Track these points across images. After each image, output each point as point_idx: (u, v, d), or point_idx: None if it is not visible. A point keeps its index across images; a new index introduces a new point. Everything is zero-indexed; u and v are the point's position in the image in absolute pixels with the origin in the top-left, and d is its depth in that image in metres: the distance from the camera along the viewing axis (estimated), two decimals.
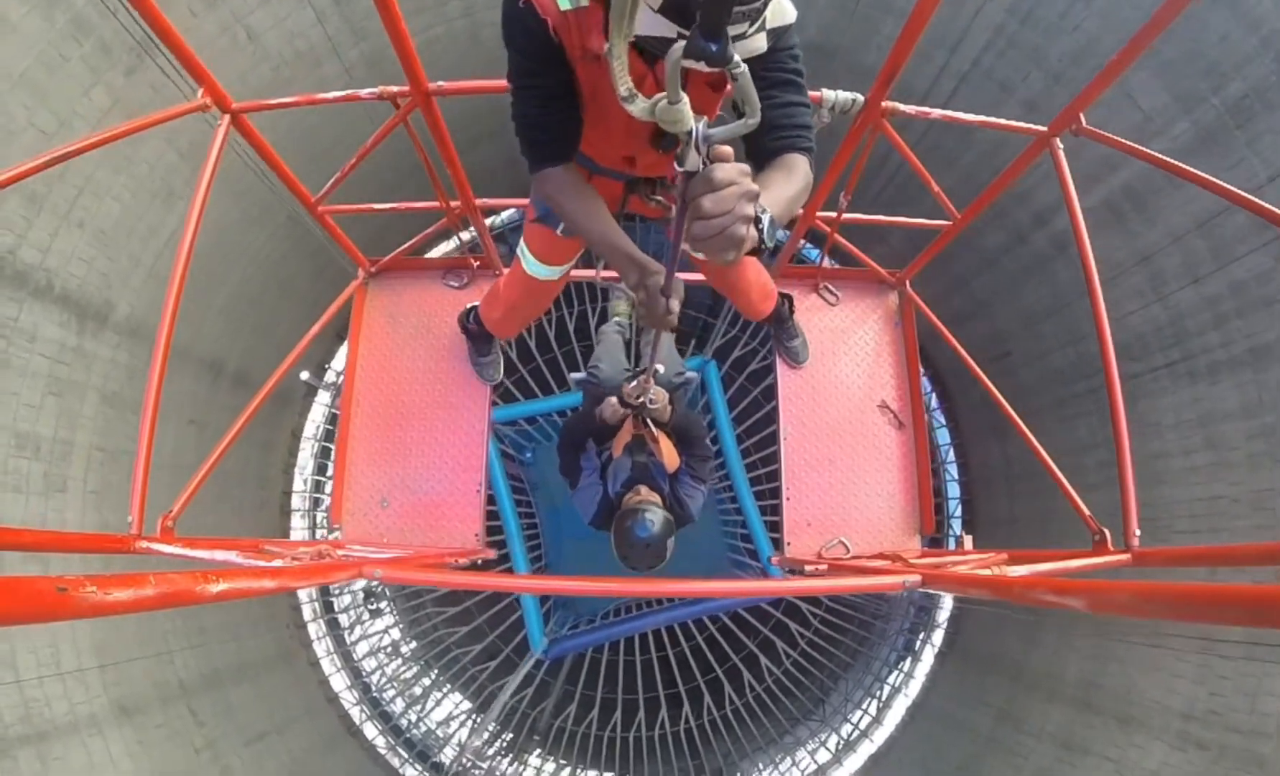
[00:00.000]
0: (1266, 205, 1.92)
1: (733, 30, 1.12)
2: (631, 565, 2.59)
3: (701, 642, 9.86)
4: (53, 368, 3.97)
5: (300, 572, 1.76)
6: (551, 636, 7.09)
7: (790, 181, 1.50)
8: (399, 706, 8.76)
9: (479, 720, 9.31)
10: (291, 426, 7.49)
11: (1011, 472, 6.83)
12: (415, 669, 9.37)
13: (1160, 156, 2.24)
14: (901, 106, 2.40)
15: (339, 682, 7.83)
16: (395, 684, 8.93)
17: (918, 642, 8.50)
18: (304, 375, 6.87)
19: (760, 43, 1.30)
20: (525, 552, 6.67)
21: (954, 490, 7.84)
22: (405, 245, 3.52)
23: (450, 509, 3.35)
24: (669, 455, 2.80)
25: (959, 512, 7.85)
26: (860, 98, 2.28)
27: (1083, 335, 5.21)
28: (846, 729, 8.96)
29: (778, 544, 3.48)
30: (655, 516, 2.56)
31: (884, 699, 8.66)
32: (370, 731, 8.02)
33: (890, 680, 8.66)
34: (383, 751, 8.01)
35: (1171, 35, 3.74)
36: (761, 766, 9.50)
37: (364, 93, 2.43)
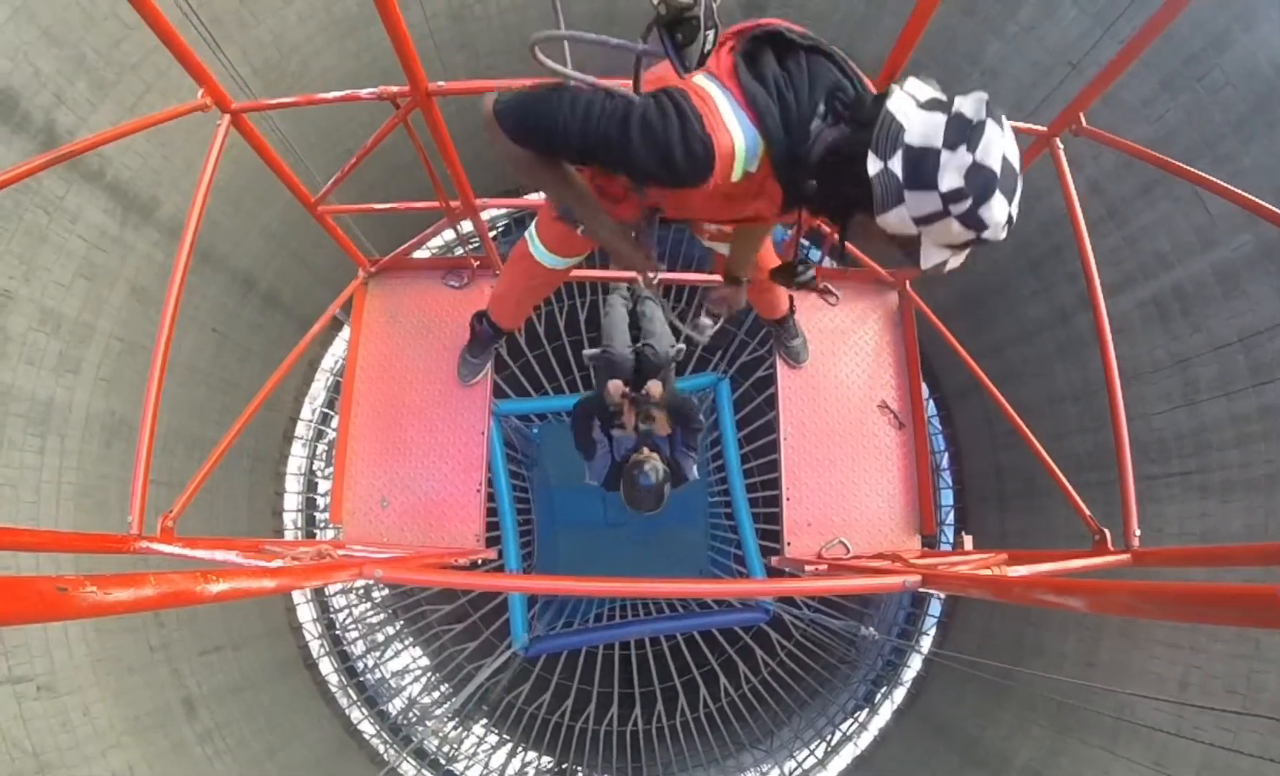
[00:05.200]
0: (1266, 205, 1.91)
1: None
2: (635, 507, 3.15)
3: (666, 650, 9.86)
4: (89, 252, 3.99)
5: (300, 572, 1.75)
6: (535, 634, 7.05)
7: None
8: (359, 648, 8.80)
9: (434, 677, 9.35)
10: (310, 356, 7.50)
11: (1007, 542, 6.81)
12: (382, 615, 9.40)
13: (1159, 155, 2.22)
14: None
15: (305, 613, 7.87)
16: (359, 625, 8.96)
17: (878, 696, 8.48)
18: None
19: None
20: (518, 544, 6.63)
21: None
22: (405, 244, 3.52)
23: (450, 509, 3.33)
24: (663, 425, 3.26)
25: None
26: None
27: (1105, 425, 5.17)
28: (790, 765, 8.95)
29: (773, 552, 3.48)
30: (656, 467, 3.09)
31: (833, 744, 8.65)
32: (326, 666, 8.04)
33: (844, 727, 8.65)
34: (334, 689, 8.03)
35: (1252, 144, 3.75)
36: None
37: (364, 93, 2.42)
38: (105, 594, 0.88)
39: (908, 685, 8.07)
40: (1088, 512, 2.31)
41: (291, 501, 7.67)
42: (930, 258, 1.22)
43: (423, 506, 3.33)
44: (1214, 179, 2.08)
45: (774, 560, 3.44)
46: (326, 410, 7.88)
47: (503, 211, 7.93)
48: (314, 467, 7.98)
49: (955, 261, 1.24)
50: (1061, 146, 2.47)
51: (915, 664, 8.09)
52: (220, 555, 2.02)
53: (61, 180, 3.66)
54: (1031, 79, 4.49)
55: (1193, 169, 2.14)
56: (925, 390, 7.69)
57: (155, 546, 1.98)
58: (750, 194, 1.43)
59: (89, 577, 0.85)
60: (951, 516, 7.78)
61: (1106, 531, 2.18)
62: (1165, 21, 1.90)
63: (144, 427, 2.08)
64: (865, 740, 8.28)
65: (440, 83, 2.34)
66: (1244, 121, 3.77)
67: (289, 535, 7.63)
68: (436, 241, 6.65)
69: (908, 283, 3.52)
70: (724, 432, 7.01)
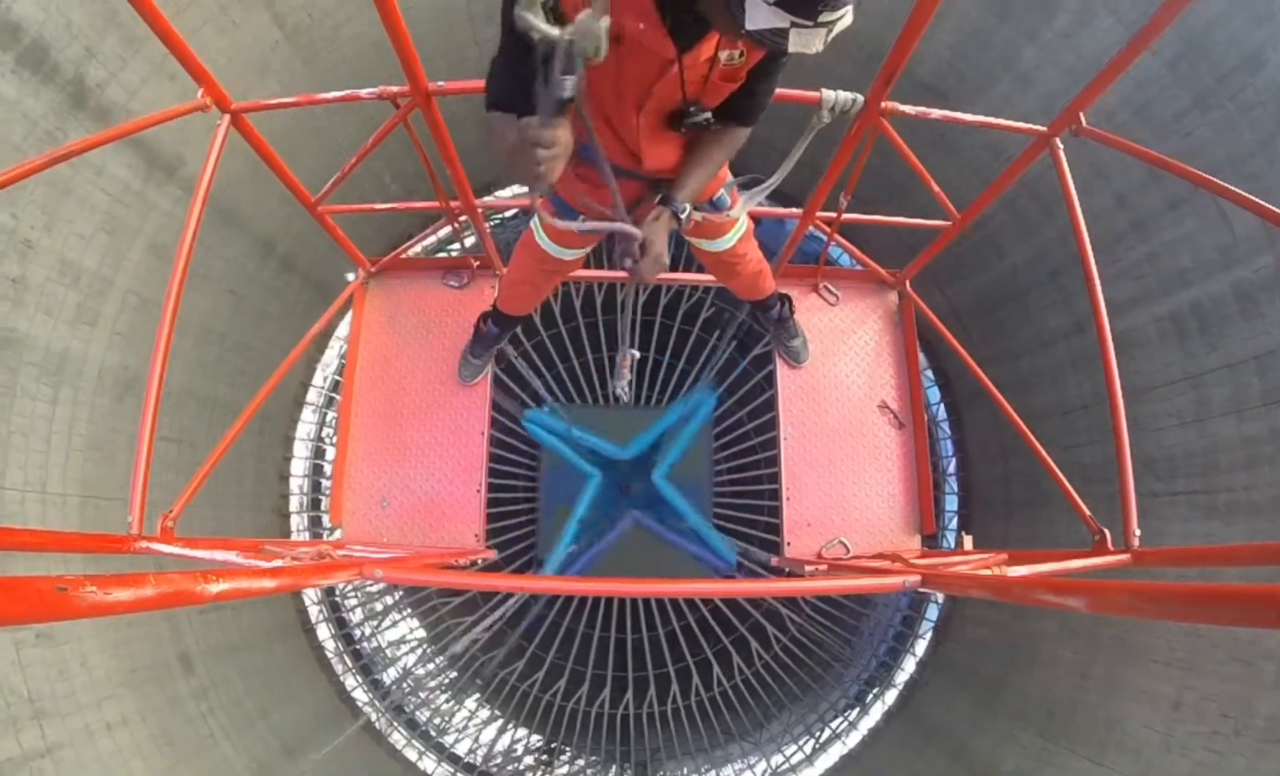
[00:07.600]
0: (1270, 207, 1.91)
1: (832, 15, 1.18)
2: None
3: (662, 636, 9.91)
4: (112, 205, 4.00)
5: (300, 573, 1.76)
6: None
7: (712, 161, 1.89)
8: (357, 615, 8.87)
9: (430, 649, 9.42)
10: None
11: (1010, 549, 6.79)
12: (381, 585, 9.47)
13: (1161, 156, 2.22)
14: (901, 106, 2.38)
15: None
16: (358, 593, 9.03)
17: (870, 696, 8.50)
18: (350, 276, 6.95)
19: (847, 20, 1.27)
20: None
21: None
22: (405, 245, 3.52)
23: (450, 509, 3.35)
24: None
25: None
26: (860, 98, 2.28)
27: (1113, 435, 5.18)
28: (777, 760, 8.99)
29: (777, 546, 3.49)
30: None
31: (821, 741, 8.68)
32: (323, 632, 8.12)
33: (833, 725, 8.68)
34: (329, 655, 8.11)
35: (1275, 161, 3.71)
36: (687, 772, 9.56)
37: (364, 92, 2.44)
38: (105, 594, 0.91)
39: (900, 687, 8.09)
40: (1088, 512, 2.31)
41: (299, 467, 7.72)
42: (757, 16, 1.16)
43: (423, 506, 3.35)
44: (1213, 179, 2.09)
45: (774, 560, 3.46)
46: (338, 377, 7.92)
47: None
48: (323, 434, 8.02)
49: (800, 41, 1.19)
50: (1062, 147, 2.47)
51: (909, 667, 8.11)
52: (220, 555, 2.05)
53: (88, 133, 3.68)
54: (1064, 86, 4.44)
55: (1191, 168, 2.13)
56: (937, 393, 7.67)
57: (155, 546, 2.00)
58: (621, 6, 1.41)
59: (89, 578, 0.87)
60: (954, 521, 7.77)
61: (1106, 531, 2.18)
62: (1165, 21, 1.92)
63: (144, 429, 2.10)
64: (854, 739, 8.30)
65: (440, 83, 2.36)
66: (1271, 139, 3.73)
67: (294, 500, 7.68)
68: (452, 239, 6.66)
69: (908, 282, 3.52)
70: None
